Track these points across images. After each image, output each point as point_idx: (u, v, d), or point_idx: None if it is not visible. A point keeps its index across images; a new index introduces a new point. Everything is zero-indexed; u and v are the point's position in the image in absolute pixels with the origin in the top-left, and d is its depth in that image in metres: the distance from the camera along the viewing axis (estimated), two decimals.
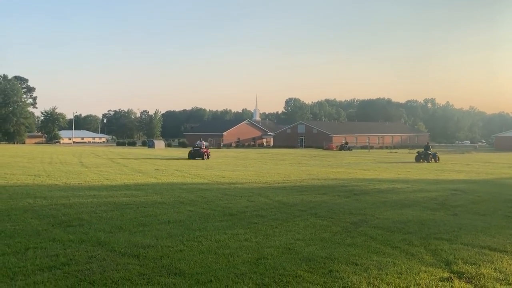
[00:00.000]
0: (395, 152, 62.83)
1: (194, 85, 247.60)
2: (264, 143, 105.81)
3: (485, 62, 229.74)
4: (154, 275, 5.12)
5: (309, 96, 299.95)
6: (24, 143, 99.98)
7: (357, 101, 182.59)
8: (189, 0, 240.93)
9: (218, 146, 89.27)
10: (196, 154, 34.52)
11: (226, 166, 26.11)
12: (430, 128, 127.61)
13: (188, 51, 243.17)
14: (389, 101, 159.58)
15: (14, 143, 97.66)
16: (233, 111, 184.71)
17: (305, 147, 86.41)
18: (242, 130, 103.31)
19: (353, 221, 9.04)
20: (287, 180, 18.07)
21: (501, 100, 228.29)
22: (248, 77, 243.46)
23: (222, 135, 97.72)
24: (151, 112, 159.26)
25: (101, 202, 10.64)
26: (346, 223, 8.76)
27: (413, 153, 59.15)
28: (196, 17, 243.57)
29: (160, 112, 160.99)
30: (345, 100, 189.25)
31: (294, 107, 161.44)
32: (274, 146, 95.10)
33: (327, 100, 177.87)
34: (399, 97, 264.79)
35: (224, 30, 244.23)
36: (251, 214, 9.53)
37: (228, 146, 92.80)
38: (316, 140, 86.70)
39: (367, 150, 71.28)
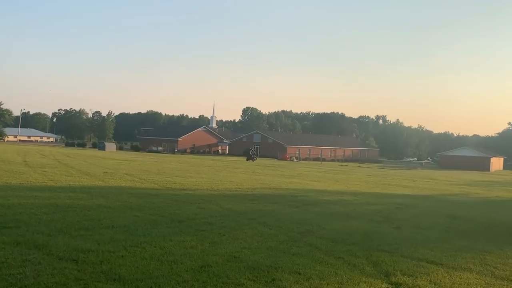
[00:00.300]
0: (346, 165, 64.52)
1: (150, 88, 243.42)
2: (220, 150, 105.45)
3: (434, 84, 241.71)
4: (92, 281, 4.94)
5: (266, 106, 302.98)
6: None
7: (312, 114, 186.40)
8: (152, 2, 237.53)
9: (172, 152, 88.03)
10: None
11: (178, 172, 25.77)
12: (380, 144, 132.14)
13: (146, 52, 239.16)
14: (342, 116, 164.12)
15: None
16: (189, 117, 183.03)
17: (260, 156, 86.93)
18: (197, 137, 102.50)
19: (300, 231, 9.16)
20: (239, 188, 18.08)
21: (447, 119, 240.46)
22: (206, 83, 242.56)
23: (177, 140, 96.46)
24: (104, 114, 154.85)
25: (42, 203, 10.17)
26: (293, 233, 8.87)
27: (363, 167, 61.24)
28: (156, 18, 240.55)
29: (114, 114, 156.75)
30: (301, 112, 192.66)
31: (251, 116, 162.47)
32: (229, 154, 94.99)
33: (283, 111, 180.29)
34: (352, 112, 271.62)
35: (184, 35, 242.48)
36: (200, 221, 9.43)
37: (183, 152, 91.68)
38: (271, 150, 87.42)
39: (319, 162, 72.79)
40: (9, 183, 13.95)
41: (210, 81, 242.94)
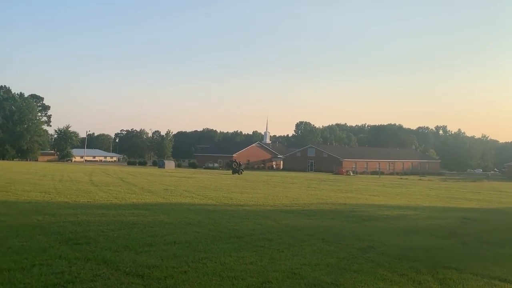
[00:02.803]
0: (406, 179, 62.22)
1: (205, 107, 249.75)
2: (274, 165, 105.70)
3: (498, 90, 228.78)
4: None
5: (320, 120, 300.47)
6: (37, 160, 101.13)
7: (368, 126, 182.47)
8: (200, 23, 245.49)
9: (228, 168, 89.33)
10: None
11: (234, 188, 26.08)
12: (442, 155, 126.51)
13: (200, 73, 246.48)
14: (400, 127, 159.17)
15: (27, 160, 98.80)
16: (243, 133, 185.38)
17: (315, 171, 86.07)
18: (252, 152, 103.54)
19: (360, 247, 8.95)
20: (296, 204, 17.98)
21: None
22: (259, 100, 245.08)
23: (232, 156, 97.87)
24: (163, 133, 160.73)
25: (109, 220, 10.68)
26: (354, 249, 8.67)
27: (424, 180, 58.73)
28: (208, 40, 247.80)
29: (172, 132, 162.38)
30: (356, 125, 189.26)
31: (304, 131, 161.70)
32: (283, 169, 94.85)
33: (337, 125, 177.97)
34: (411, 124, 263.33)
35: (236, 53, 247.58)
36: (258, 237, 9.48)
37: None
38: (326, 164, 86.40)
39: (377, 176, 70.80)
40: (78, 202, 14.78)
41: (263, 97, 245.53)
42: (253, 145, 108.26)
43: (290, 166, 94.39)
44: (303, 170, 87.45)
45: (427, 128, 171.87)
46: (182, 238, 8.81)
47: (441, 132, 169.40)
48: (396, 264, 7.52)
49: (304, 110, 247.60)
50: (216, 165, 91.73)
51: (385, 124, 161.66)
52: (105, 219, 10.87)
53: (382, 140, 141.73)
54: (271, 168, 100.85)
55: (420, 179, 61.48)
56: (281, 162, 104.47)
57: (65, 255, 6.79)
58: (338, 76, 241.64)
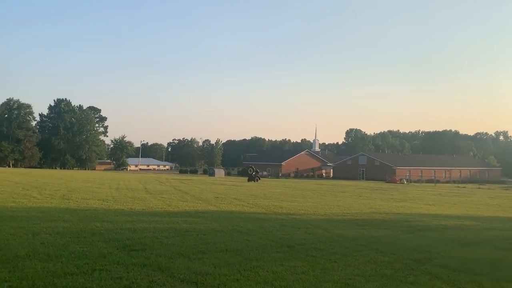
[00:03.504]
0: (463, 187, 59.37)
1: (254, 115, 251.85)
2: (324, 174, 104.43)
3: None
4: None
5: (371, 126, 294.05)
6: (95, 169, 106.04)
7: (422, 132, 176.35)
8: (253, 31, 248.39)
9: (276, 176, 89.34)
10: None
11: (284, 197, 26.01)
12: (503, 162, 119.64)
13: (248, 82, 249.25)
14: (456, 133, 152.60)
15: (86, 169, 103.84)
16: (292, 141, 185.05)
17: (366, 179, 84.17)
18: (301, 160, 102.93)
19: (416, 258, 8.62)
20: (347, 213, 17.64)
21: None
22: (308, 107, 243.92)
23: (281, 164, 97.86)
24: (213, 141, 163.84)
25: (163, 227, 10.98)
26: (409, 260, 8.37)
27: (484, 189, 55.73)
28: (257, 50, 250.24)
29: (221, 141, 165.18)
30: (409, 132, 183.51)
31: (355, 138, 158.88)
32: (333, 178, 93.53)
33: (390, 131, 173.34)
34: (468, 129, 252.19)
35: (284, 62, 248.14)
36: (309, 246, 9.38)
37: (287, 176, 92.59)
38: (378, 173, 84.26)
39: (433, 184, 68.07)
40: (134, 209, 15.31)
41: (311, 104, 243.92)
42: (302, 153, 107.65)
43: (340, 174, 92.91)
44: (354, 178, 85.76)
45: (486, 134, 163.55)
46: (233, 246, 8.88)
47: (501, 138, 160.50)
48: (455, 277, 7.17)
49: (354, 117, 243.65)
50: (264, 173, 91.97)
51: (440, 130, 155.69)
52: (160, 226, 11.18)
53: (437, 147, 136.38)
54: (320, 177, 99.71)
55: (479, 188, 58.45)
56: (331, 170, 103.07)
57: (122, 261, 7.05)
58: (390, 82, 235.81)
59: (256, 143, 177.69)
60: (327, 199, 25.88)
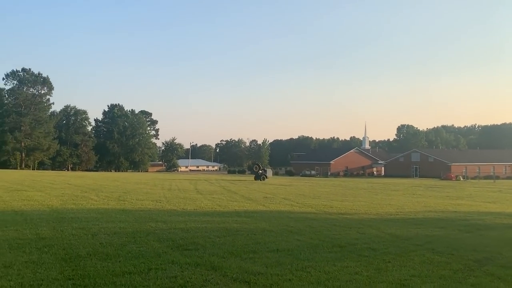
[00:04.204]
0: None
1: (301, 114, 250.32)
2: (374, 172, 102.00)
3: None
4: None
5: (424, 122, 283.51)
6: (147, 171, 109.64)
7: (478, 126, 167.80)
8: (297, 30, 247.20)
9: (325, 175, 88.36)
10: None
11: (334, 196, 25.67)
12: None
13: (294, 81, 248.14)
14: None
15: (139, 171, 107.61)
16: (340, 139, 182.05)
17: (420, 176, 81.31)
18: (350, 159, 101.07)
19: (476, 258, 8.21)
20: (401, 212, 17.13)
21: None
22: (356, 104, 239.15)
23: (330, 163, 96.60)
24: (260, 141, 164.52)
25: (214, 227, 11.17)
26: (469, 261, 7.99)
27: None
28: (302, 48, 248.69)
29: (268, 141, 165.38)
30: (465, 126, 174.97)
31: (407, 134, 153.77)
32: (385, 176, 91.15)
33: (444, 126, 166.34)
34: None
35: (331, 58, 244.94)
36: (362, 246, 9.19)
37: (336, 175, 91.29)
38: (432, 170, 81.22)
39: (492, 181, 64.63)
40: (186, 209, 15.68)
41: (360, 101, 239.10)
42: (351, 151, 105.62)
43: (392, 172, 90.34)
44: (407, 176, 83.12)
45: None
46: (284, 246, 8.87)
47: None
48: None
49: (405, 113, 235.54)
50: (313, 172, 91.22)
51: (499, 123, 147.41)
52: (211, 226, 11.37)
53: (495, 141, 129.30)
54: (371, 175, 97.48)
55: None
56: (382, 168, 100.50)
57: (177, 260, 7.23)
58: (442, 74, 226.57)
59: (303, 142, 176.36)
60: (379, 198, 25.26)
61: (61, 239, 8.71)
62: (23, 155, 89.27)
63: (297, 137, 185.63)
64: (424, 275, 6.81)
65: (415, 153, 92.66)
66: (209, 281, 6.04)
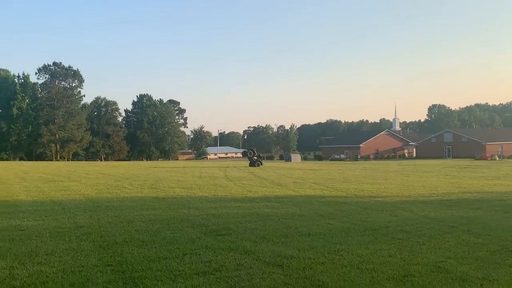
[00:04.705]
0: None
1: (328, 98, 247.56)
2: (406, 154, 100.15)
3: None
4: (298, 286, 5.23)
5: (456, 101, 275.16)
6: (177, 159, 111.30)
7: None
8: (325, 14, 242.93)
9: (355, 159, 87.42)
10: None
11: (364, 179, 25.40)
12: None
13: (321, 64, 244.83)
14: None
15: (169, 159, 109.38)
16: (370, 122, 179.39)
17: (453, 157, 79.34)
18: (380, 141, 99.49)
19: None
20: (434, 194, 16.82)
21: None
22: (385, 85, 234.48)
23: (359, 147, 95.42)
24: (287, 127, 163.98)
25: (245, 213, 11.27)
26: (507, 242, 7.79)
27: None
28: (327, 29, 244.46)
29: (296, 126, 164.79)
30: (500, 104, 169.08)
31: (438, 114, 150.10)
32: (417, 157, 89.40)
33: (477, 105, 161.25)
34: None
35: (361, 40, 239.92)
36: (395, 229, 9.09)
37: (366, 158, 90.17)
38: (465, 150, 79.09)
39: None
40: (216, 195, 15.88)
41: (389, 82, 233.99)
42: (381, 133, 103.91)
43: (424, 153, 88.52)
44: (439, 157, 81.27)
45: None
46: (315, 230, 8.88)
47: None
48: None
49: (436, 92, 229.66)
50: (342, 156, 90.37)
51: None
52: (242, 212, 11.49)
53: None
54: (402, 157, 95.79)
55: None
56: (414, 149, 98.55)
57: (210, 245, 7.35)
58: (475, 51, 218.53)
59: (331, 125, 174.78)
60: (411, 179, 24.84)
61: (98, 227, 8.99)
62: (58, 146, 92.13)
63: (325, 121, 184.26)
64: (460, 257, 6.69)
65: (447, 133, 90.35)
66: (242, 265, 6.13)
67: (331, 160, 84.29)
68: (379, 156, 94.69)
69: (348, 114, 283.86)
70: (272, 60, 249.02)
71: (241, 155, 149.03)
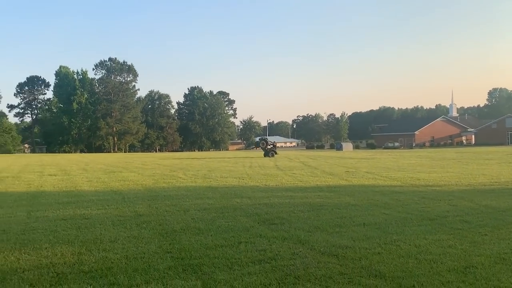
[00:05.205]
0: None
1: (380, 84, 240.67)
2: (464, 141, 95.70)
3: None
4: (355, 276, 5.20)
5: None
6: (228, 150, 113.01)
7: None
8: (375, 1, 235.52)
9: (409, 147, 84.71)
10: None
11: (420, 168, 24.58)
12: None
13: (373, 50, 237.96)
14: None
15: (220, 150, 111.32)
16: (425, 108, 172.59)
17: None
18: (436, 128, 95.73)
19: None
20: (496, 182, 16.00)
21: None
22: (441, 69, 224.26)
23: (414, 134, 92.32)
24: (338, 115, 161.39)
25: (297, 202, 11.28)
26: None
27: None
28: (379, 14, 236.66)
29: (346, 114, 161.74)
30: None
31: (499, 98, 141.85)
32: (476, 144, 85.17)
33: None
34: None
35: (413, 21, 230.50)
36: (453, 219, 8.76)
37: (421, 146, 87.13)
38: None
39: None
40: (268, 185, 15.99)
41: (445, 65, 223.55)
42: (438, 120, 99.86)
43: (484, 140, 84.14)
44: (501, 143, 77.02)
45: None
46: (370, 220, 8.74)
47: None
48: None
49: (497, 75, 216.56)
50: (396, 144, 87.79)
51: None
52: (294, 201, 11.50)
53: None
54: (460, 144, 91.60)
55: None
56: (472, 136, 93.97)
57: (264, 234, 7.45)
58: None
59: (384, 113, 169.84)
60: (471, 168, 23.74)
61: (156, 216, 9.36)
62: (115, 139, 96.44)
63: (377, 108, 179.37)
64: None
65: (510, 118, 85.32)
66: (297, 254, 6.17)
67: (384, 148, 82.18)
68: (435, 143, 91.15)
69: (401, 100, 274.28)
70: (320, 48, 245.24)
71: (294, 144, 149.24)
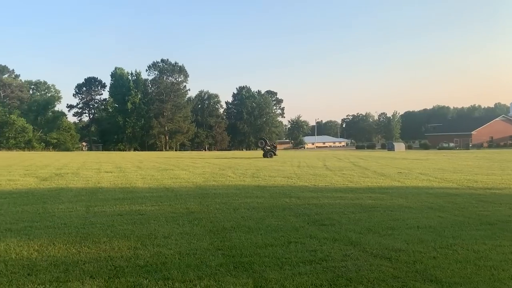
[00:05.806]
0: None
1: (435, 82, 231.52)
2: None
3: None
4: (409, 280, 5.06)
5: None
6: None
7: None
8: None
9: (466, 147, 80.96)
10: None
11: (478, 169, 23.43)
12: None
13: (426, 49, 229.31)
14: None
15: None
16: (482, 107, 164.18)
17: None
18: (495, 128, 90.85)
19: None
20: None
21: None
22: (499, 66, 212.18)
23: (471, 134, 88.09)
24: (389, 114, 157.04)
25: (348, 203, 11.10)
26: None
27: None
28: (434, 11, 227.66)
29: (399, 113, 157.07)
30: None
31: None
32: None
33: None
34: None
35: (474, 18, 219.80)
36: None
37: (479, 146, 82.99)
38: None
39: None
40: (317, 185, 15.84)
41: (504, 62, 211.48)
42: (497, 119, 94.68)
43: None
44: None
45: None
46: (425, 223, 8.45)
47: None
48: None
49: None
50: (451, 144, 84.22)
51: None
52: (345, 202, 11.33)
53: None
54: None
55: None
56: None
57: (314, 234, 7.40)
58: None
59: (438, 112, 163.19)
60: None
61: (207, 213, 9.54)
62: (167, 137, 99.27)
63: (431, 107, 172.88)
64: None
65: None
66: (349, 256, 6.08)
67: (439, 149, 79.03)
68: (494, 144, 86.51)
69: (457, 99, 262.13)
70: (371, 46, 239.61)
71: (343, 144, 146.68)
